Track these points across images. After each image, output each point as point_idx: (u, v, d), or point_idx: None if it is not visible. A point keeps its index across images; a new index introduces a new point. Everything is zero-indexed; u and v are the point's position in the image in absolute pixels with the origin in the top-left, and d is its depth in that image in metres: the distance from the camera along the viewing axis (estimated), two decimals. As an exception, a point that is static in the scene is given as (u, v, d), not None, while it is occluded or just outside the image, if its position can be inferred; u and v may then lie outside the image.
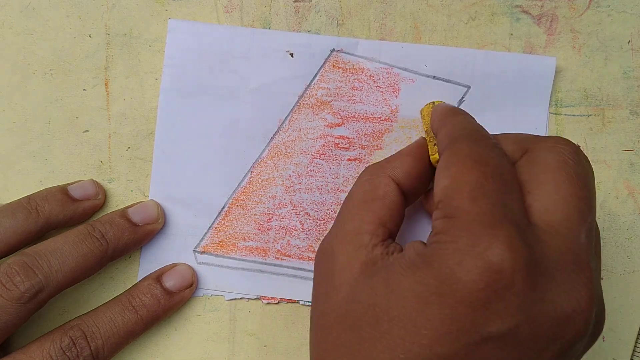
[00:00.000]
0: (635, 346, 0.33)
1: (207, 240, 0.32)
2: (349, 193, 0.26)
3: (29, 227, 0.29)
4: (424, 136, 0.28)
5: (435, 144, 0.26)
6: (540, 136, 0.24)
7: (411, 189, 0.26)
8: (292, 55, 0.32)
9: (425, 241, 0.23)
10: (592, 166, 0.23)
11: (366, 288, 0.22)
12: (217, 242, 0.32)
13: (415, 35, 0.33)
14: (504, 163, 0.22)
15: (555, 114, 0.33)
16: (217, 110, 0.32)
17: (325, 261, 0.25)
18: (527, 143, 0.24)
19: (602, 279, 0.33)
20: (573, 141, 0.24)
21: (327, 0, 0.32)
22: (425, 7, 0.33)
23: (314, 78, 0.32)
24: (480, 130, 0.24)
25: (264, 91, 0.32)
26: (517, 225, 0.21)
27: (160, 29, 0.32)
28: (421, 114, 0.30)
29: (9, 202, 0.30)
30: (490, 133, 0.25)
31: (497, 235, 0.20)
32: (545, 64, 0.32)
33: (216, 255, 0.32)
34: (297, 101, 0.32)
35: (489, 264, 0.20)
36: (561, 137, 0.24)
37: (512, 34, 0.33)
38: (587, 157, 0.23)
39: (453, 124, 0.25)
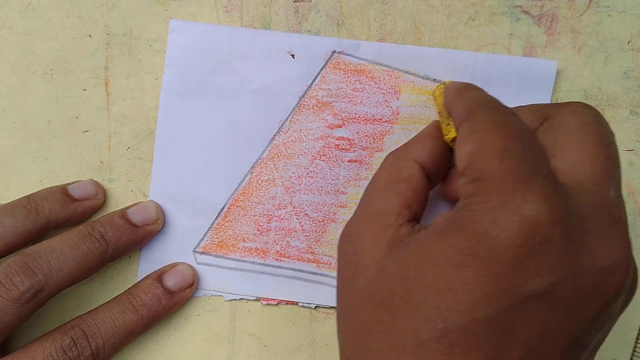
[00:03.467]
0: (635, 346, 0.33)
1: (207, 240, 0.32)
2: (372, 179, 0.26)
3: (28, 226, 0.29)
4: (437, 119, 0.28)
5: (448, 124, 0.27)
6: (558, 103, 0.24)
7: (434, 170, 0.25)
8: (293, 56, 0.32)
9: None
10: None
11: (395, 262, 0.21)
12: (217, 242, 0.32)
13: (415, 36, 0.33)
14: (525, 127, 0.22)
15: (556, 114, 0.33)
16: (218, 110, 0.32)
17: (350, 244, 0.24)
18: (546, 110, 0.24)
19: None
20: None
21: (327, 0, 0.32)
22: (425, 7, 0.33)
23: (314, 79, 0.32)
24: (496, 100, 0.25)
25: (264, 92, 0.32)
26: (550, 179, 0.20)
27: (160, 29, 0.32)
28: (433, 95, 0.30)
29: (8, 201, 0.30)
30: None
31: (531, 189, 0.20)
32: (546, 67, 0.32)
33: (216, 256, 0.32)
34: (298, 102, 0.32)
35: (525, 218, 0.19)
36: (580, 102, 0.24)
37: (512, 34, 0.33)
38: (607, 121, 0.23)
39: (468, 97, 0.25)
